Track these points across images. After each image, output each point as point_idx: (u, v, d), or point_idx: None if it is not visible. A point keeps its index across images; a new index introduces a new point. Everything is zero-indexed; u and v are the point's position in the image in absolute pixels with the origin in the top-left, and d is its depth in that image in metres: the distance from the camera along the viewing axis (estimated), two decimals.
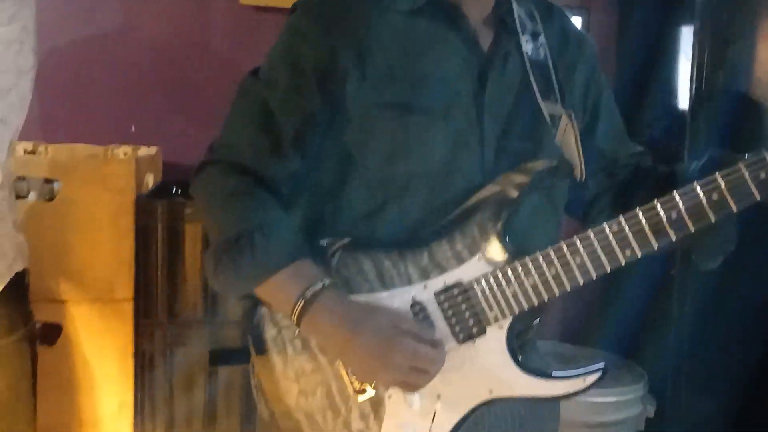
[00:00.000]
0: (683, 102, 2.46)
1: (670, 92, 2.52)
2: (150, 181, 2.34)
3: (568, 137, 1.16)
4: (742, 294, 2.44)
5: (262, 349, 1.18)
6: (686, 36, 2.44)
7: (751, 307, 2.45)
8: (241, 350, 2.12)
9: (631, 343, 2.62)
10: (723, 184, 1.02)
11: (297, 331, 1.15)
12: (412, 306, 1.12)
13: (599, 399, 2.34)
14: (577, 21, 2.60)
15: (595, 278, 1.07)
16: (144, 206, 2.12)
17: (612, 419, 2.36)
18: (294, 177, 1.19)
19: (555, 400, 1.14)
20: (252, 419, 2.17)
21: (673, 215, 1.04)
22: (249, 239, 1.12)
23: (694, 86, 2.41)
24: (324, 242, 1.17)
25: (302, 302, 1.08)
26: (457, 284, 1.11)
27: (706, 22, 2.37)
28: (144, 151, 2.39)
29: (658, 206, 1.04)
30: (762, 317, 2.42)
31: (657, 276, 2.58)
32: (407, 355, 1.06)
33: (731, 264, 2.37)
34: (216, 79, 2.61)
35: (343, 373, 1.13)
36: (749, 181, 1.01)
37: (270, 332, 1.18)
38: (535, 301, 1.09)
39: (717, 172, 1.03)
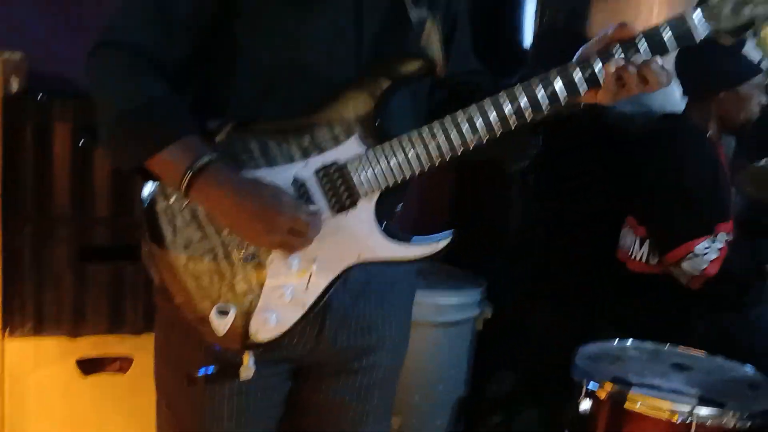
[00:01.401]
0: (527, 39, 2.72)
1: (515, 30, 2.76)
2: (15, 85, 2.31)
3: (432, 39, 1.34)
4: (576, 212, 2.78)
5: (153, 221, 1.29)
6: None
7: (585, 224, 2.79)
8: (110, 248, 2.20)
9: (474, 257, 2.90)
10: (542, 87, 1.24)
11: (186, 203, 1.26)
12: (293, 182, 1.26)
13: (443, 301, 2.60)
14: None
15: (448, 159, 1.27)
16: (12, 104, 2.10)
17: (454, 319, 2.63)
18: (184, 61, 1.30)
19: (415, 262, 1.32)
20: (120, 316, 2.24)
21: (515, 106, 1.25)
22: (141, 114, 1.22)
23: (536, 25, 2.66)
24: (212, 124, 1.29)
25: (190, 173, 1.19)
26: (334, 162, 1.27)
27: None
28: (8, 55, 2.34)
29: (503, 97, 1.25)
30: (595, 233, 2.76)
31: (496, 196, 2.87)
32: (288, 219, 1.20)
33: (565, 186, 2.69)
34: None
35: (229, 240, 1.27)
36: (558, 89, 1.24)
37: (161, 204, 1.28)
38: (400, 178, 1.27)
39: (553, 69, 1.26)
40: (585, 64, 1.24)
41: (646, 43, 1.23)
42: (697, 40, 1.24)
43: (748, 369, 2.04)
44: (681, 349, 2.14)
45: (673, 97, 2.59)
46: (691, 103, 2.49)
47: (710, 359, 2.10)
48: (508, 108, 1.25)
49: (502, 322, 2.74)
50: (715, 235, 2.32)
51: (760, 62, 2.42)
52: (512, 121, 1.25)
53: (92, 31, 1.31)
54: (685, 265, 2.30)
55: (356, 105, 1.27)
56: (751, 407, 1.79)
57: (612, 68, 1.22)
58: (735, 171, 2.47)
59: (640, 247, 2.45)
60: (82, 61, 1.30)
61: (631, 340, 2.16)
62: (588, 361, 1.99)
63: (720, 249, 2.29)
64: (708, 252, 2.28)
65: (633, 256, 2.48)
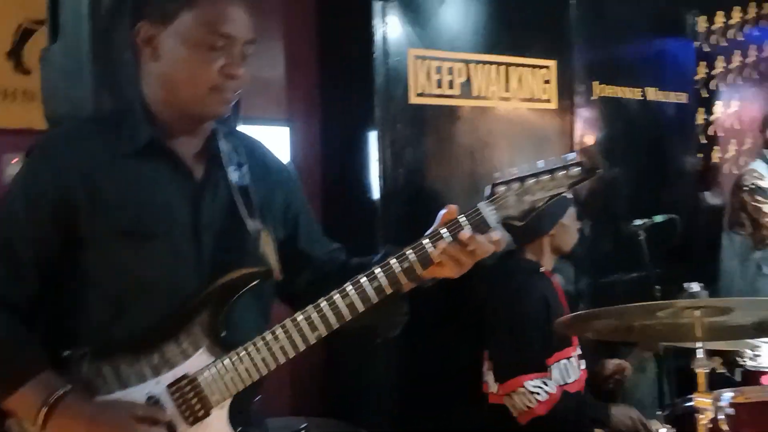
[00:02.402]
0: (375, 195, 2.94)
1: (365, 188, 2.98)
2: None
3: (268, 248, 1.47)
4: (441, 349, 2.93)
5: None
6: (373, 141, 2.93)
7: (450, 360, 2.95)
8: None
9: (355, 408, 2.98)
10: (381, 274, 1.40)
11: None
12: (147, 399, 1.34)
13: None
14: (284, 131, 2.99)
15: (293, 356, 1.39)
16: None
17: None
18: (34, 297, 1.38)
19: None
20: None
21: (347, 301, 1.39)
22: None
23: (381, 182, 2.90)
24: (66, 353, 1.36)
25: (45, 408, 1.27)
26: (185, 376, 1.36)
27: (385, 130, 2.90)
28: None
29: (336, 296, 1.39)
30: (460, 369, 2.91)
31: (369, 348, 2.99)
32: None
33: (435, 333, 2.82)
34: None
35: None
36: (397, 270, 1.40)
37: None
38: (249, 382, 1.37)
39: (375, 267, 1.41)
40: (418, 247, 1.40)
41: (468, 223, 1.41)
42: (492, 227, 1.44)
43: None
44: None
45: None
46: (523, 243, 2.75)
47: None
48: (341, 303, 1.39)
49: None
50: (549, 373, 2.49)
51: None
52: (346, 314, 1.39)
53: None
54: (515, 398, 2.44)
55: (201, 318, 1.38)
56: None
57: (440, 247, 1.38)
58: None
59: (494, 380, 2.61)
60: None
61: None
62: None
63: (550, 393, 2.42)
64: (539, 392, 2.42)
65: (490, 390, 2.63)
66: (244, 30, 1.42)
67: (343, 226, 3.09)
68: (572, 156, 1.45)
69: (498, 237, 1.42)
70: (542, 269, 2.69)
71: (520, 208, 1.42)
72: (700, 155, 3.95)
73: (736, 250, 3.33)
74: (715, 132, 4.01)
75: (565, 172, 1.42)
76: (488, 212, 1.41)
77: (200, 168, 1.47)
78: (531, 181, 1.42)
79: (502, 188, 1.42)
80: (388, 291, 1.40)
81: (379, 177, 2.91)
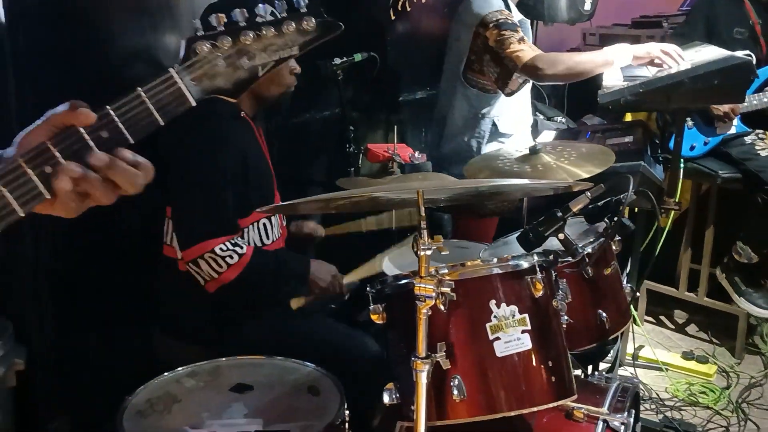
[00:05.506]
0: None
1: None
2: None
3: None
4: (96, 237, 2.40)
5: None
6: None
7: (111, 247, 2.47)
8: None
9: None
10: None
11: None
12: None
13: None
14: None
15: None
16: None
17: None
18: None
19: None
20: None
21: None
22: None
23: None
24: None
25: None
26: None
27: None
28: None
29: None
30: (117, 254, 2.47)
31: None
32: None
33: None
34: None
35: None
36: None
37: None
38: None
39: None
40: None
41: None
42: (192, 104, 0.98)
43: (310, 367, 1.95)
44: (241, 359, 1.98)
45: None
46: None
47: (270, 362, 1.98)
48: None
49: (42, 367, 2.30)
50: (241, 233, 2.15)
51: None
52: None
53: None
54: (202, 264, 2.05)
55: None
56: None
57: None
58: None
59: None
60: None
61: (184, 367, 1.93)
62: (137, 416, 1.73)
63: (242, 255, 2.07)
64: (230, 255, 2.06)
65: (179, 257, 2.14)
66: None
67: None
68: (304, 1, 1.04)
69: (142, 161, 1.00)
70: (243, 114, 2.21)
71: (235, 76, 1.02)
72: None
73: (471, 104, 3.05)
74: None
75: (295, 24, 1.02)
76: (186, 83, 0.96)
77: None
78: (249, 35, 0.99)
79: (205, 46, 0.98)
80: None
81: None
